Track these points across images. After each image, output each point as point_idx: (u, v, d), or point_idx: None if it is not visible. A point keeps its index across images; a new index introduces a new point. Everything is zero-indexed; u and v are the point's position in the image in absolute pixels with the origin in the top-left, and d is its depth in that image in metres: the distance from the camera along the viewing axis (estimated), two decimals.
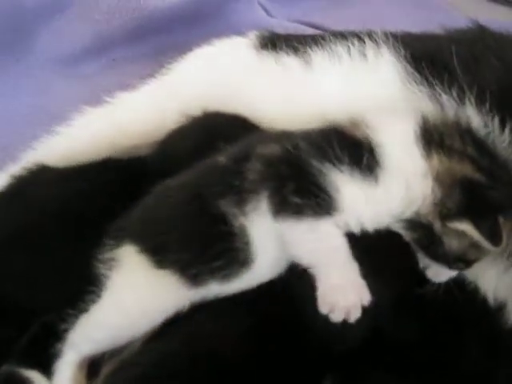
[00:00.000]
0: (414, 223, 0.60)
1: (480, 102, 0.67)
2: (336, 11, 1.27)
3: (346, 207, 0.57)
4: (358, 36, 0.76)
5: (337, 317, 0.54)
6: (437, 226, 0.59)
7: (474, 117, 0.67)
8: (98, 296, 0.62)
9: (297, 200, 0.57)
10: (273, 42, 0.82)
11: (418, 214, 0.59)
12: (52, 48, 1.07)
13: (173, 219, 0.62)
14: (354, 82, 0.73)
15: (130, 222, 0.64)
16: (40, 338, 0.66)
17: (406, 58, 0.72)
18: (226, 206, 0.58)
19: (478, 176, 0.59)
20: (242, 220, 0.58)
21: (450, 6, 1.27)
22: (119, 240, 0.62)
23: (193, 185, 0.62)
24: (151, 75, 0.87)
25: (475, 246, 0.59)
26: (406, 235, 0.61)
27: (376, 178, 0.58)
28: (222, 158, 0.63)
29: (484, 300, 0.66)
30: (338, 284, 0.55)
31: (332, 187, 0.57)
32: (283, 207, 0.57)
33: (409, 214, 0.59)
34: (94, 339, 0.62)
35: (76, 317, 0.63)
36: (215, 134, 0.71)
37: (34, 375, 0.64)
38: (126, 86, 0.88)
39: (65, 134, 0.81)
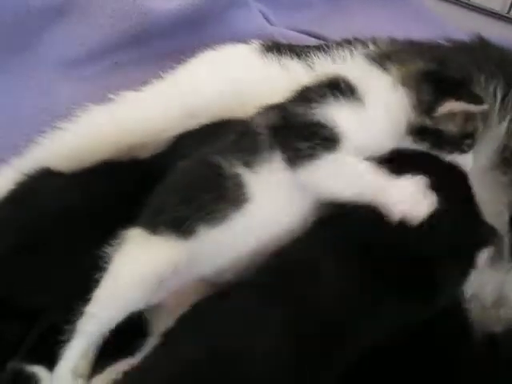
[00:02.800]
0: (412, 132, 0.64)
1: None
2: (335, 21, 1.29)
3: (349, 134, 0.62)
4: (363, 41, 0.78)
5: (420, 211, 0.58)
6: (428, 122, 0.64)
7: None
8: None
9: (305, 144, 0.61)
10: (277, 48, 0.84)
11: (409, 123, 0.64)
12: (56, 50, 1.07)
13: (172, 185, 0.65)
14: None
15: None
16: (45, 334, 0.67)
17: None
18: (224, 158, 0.62)
19: (431, 65, 0.67)
20: (239, 169, 0.62)
21: (448, 20, 1.30)
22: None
23: (200, 153, 0.66)
24: (155, 78, 0.88)
25: (467, 118, 0.65)
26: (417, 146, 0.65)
27: (360, 100, 0.64)
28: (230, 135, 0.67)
29: None
30: (397, 192, 0.59)
31: (329, 121, 0.62)
32: (297, 157, 0.61)
33: (403, 127, 0.64)
34: (100, 318, 0.63)
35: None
36: None
37: (39, 370, 0.65)
38: (128, 89, 0.89)
39: (69, 131, 0.82)
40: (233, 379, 0.54)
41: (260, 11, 1.24)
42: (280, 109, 0.65)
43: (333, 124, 0.61)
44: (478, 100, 0.64)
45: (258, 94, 0.78)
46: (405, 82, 0.65)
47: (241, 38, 0.94)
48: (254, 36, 0.97)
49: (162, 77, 0.87)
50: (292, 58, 0.81)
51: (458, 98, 0.63)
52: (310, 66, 0.80)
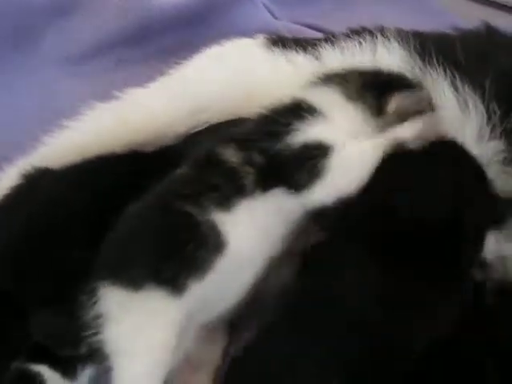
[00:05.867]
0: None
1: (481, 94, 0.69)
2: (339, 14, 1.28)
3: (335, 139, 0.63)
4: (371, 32, 0.77)
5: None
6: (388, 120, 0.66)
7: (473, 108, 0.69)
8: None
9: (305, 168, 0.61)
10: (282, 42, 0.83)
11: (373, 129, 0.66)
12: (59, 47, 1.07)
13: (135, 232, 0.60)
14: None
15: (99, 263, 0.61)
16: (50, 332, 0.66)
17: (415, 48, 0.75)
18: (194, 204, 0.59)
19: (367, 76, 0.70)
20: (213, 213, 0.59)
21: (453, 11, 1.28)
22: (96, 290, 0.58)
23: (156, 197, 0.62)
24: (160, 74, 0.88)
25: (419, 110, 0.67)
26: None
27: (325, 116, 0.65)
28: (183, 169, 0.64)
29: None
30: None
31: (311, 138, 0.62)
32: (305, 181, 0.61)
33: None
34: None
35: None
36: None
37: (44, 370, 0.64)
38: (131, 86, 0.88)
39: (74, 129, 0.81)
40: None
41: (264, 5, 1.23)
42: (259, 150, 0.63)
43: (316, 138, 0.62)
44: (416, 85, 0.68)
45: (265, 89, 0.77)
46: (351, 97, 0.67)
47: (245, 33, 0.93)
48: (259, 30, 0.96)
49: (167, 73, 0.86)
50: (298, 52, 0.80)
51: (399, 90, 0.67)
52: (316, 58, 0.79)
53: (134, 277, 0.57)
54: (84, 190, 0.72)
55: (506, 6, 1.31)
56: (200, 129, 0.79)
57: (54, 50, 1.07)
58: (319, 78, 0.71)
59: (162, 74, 0.88)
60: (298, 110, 0.65)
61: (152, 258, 0.58)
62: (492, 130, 0.68)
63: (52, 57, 1.06)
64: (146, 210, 0.61)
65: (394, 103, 0.67)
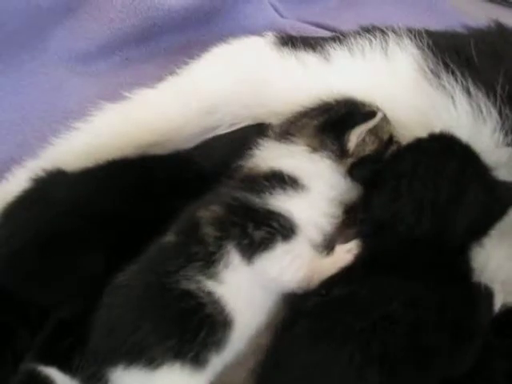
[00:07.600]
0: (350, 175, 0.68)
1: (493, 95, 0.68)
2: (346, 13, 1.28)
3: (302, 220, 0.63)
4: (382, 30, 0.77)
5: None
6: (350, 160, 0.68)
7: (486, 111, 0.68)
8: None
9: (261, 233, 0.61)
10: (292, 41, 0.82)
11: (341, 174, 0.68)
12: (66, 46, 1.06)
13: (138, 314, 0.59)
14: (375, 74, 0.75)
15: (99, 345, 0.60)
16: (56, 335, 0.66)
17: (428, 46, 0.74)
18: (186, 278, 0.59)
19: (319, 118, 0.70)
20: (208, 286, 0.59)
21: (461, 11, 1.27)
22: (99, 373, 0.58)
23: (147, 271, 0.61)
24: (167, 73, 0.87)
25: (374, 132, 0.68)
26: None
27: (304, 186, 0.65)
28: (169, 238, 0.63)
29: None
30: None
31: (281, 210, 0.62)
32: (254, 246, 0.61)
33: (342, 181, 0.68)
34: None
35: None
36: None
37: (52, 372, 0.63)
38: (138, 85, 0.87)
39: (83, 130, 0.81)
40: None
41: (270, 4, 1.23)
42: (225, 198, 0.64)
43: (288, 214, 0.62)
44: (371, 114, 0.67)
45: (275, 89, 0.77)
46: (312, 147, 0.68)
47: (252, 31, 0.93)
48: (266, 29, 0.96)
49: (175, 72, 0.86)
50: (307, 51, 0.79)
51: (354, 125, 0.67)
52: (326, 58, 0.78)
53: (153, 356, 0.57)
54: (96, 194, 0.72)
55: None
56: (213, 135, 0.79)
57: (62, 49, 1.06)
58: (283, 135, 0.71)
59: (170, 73, 0.87)
60: (280, 179, 0.65)
61: (171, 339, 0.57)
62: (505, 136, 0.67)
63: (60, 56, 1.06)
64: (146, 288, 0.60)
65: (354, 140, 0.67)
